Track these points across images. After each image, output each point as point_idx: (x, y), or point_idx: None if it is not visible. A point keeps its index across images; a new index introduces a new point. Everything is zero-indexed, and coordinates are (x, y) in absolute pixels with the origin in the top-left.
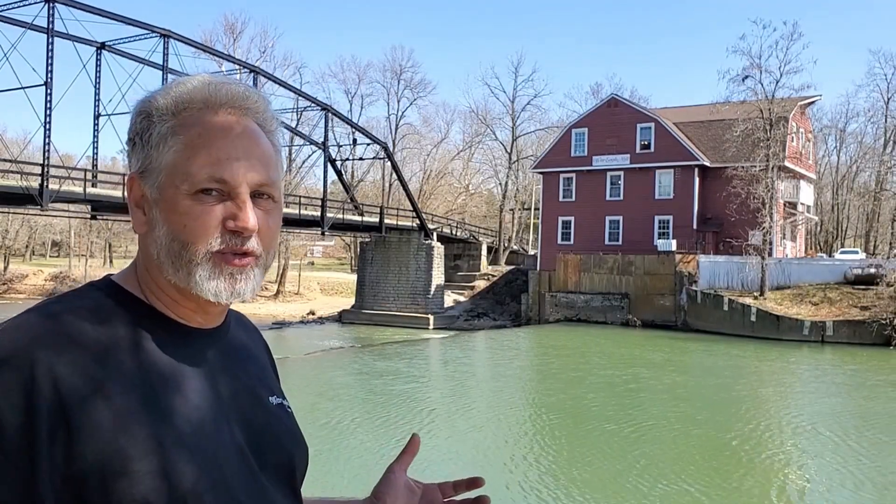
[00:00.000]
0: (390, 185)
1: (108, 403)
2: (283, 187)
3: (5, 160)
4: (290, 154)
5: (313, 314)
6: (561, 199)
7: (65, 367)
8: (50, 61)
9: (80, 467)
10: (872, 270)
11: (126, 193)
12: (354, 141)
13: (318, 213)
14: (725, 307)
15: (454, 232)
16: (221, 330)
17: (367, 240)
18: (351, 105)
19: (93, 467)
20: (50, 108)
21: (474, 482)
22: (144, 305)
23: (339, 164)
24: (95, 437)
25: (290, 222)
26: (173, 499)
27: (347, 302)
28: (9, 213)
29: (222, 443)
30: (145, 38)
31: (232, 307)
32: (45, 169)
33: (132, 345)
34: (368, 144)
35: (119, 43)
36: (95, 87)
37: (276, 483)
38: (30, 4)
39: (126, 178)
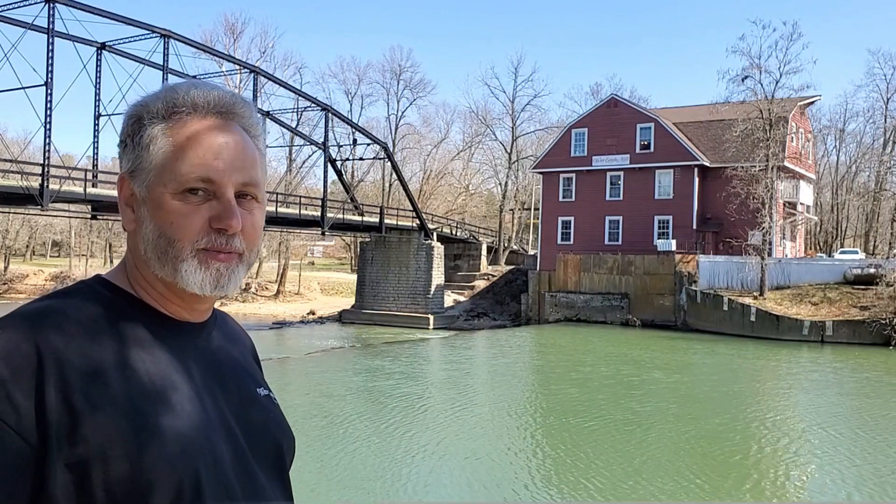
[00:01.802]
0: (390, 185)
1: (108, 393)
2: (286, 189)
3: (6, 160)
4: (290, 154)
5: (313, 314)
6: (561, 199)
7: (68, 362)
8: (50, 61)
9: (84, 451)
10: (872, 270)
11: (117, 192)
12: (354, 141)
13: (319, 213)
14: (725, 307)
15: (454, 232)
16: (208, 325)
17: (367, 240)
18: (351, 105)
19: (95, 451)
20: (50, 109)
21: None
22: (136, 300)
23: (339, 164)
24: (98, 424)
25: (291, 222)
26: (173, 482)
27: (347, 302)
28: (9, 213)
29: (215, 431)
30: (145, 39)
31: (216, 308)
32: (46, 169)
33: (127, 339)
34: (368, 144)
35: (119, 43)
36: (96, 87)
37: (265, 469)
38: (30, 4)
39: (117, 178)
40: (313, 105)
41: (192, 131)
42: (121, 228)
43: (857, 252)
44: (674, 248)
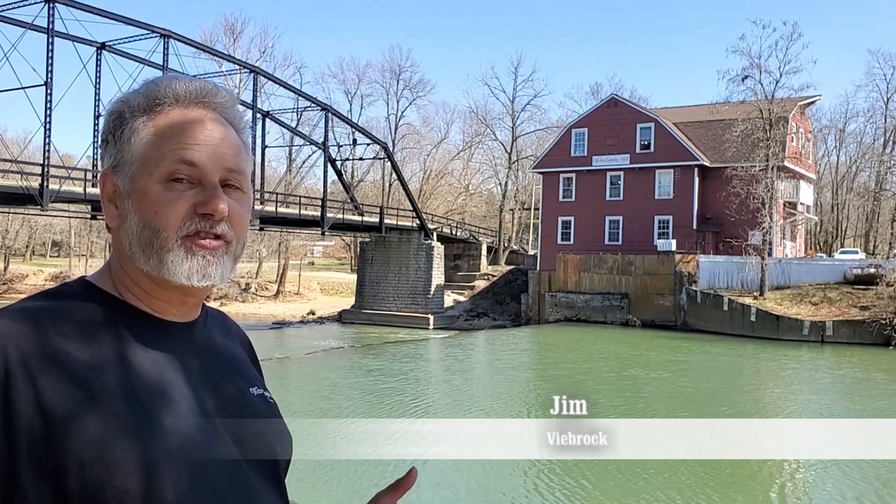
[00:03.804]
0: (390, 185)
1: (86, 398)
2: (286, 189)
3: (6, 160)
4: (290, 154)
5: (313, 314)
6: (561, 199)
7: (41, 365)
8: (50, 61)
9: (61, 459)
10: (872, 270)
11: (100, 190)
12: (354, 141)
13: (319, 213)
14: (725, 307)
15: (454, 232)
16: (197, 323)
17: (367, 240)
18: (351, 105)
19: (73, 459)
20: (50, 109)
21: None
22: (119, 302)
23: (339, 164)
24: (78, 434)
25: (291, 222)
26: (154, 489)
27: (347, 302)
28: (9, 212)
29: (206, 436)
30: (145, 39)
31: (218, 306)
32: (46, 169)
33: (111, 343)
34: (368, 144)
35: (119, 43)
36: (96, 87)
37: (258, 473)
38: (30, 4)
39: (99, 175)
40: (313, 105)
41: (174, 120)
42: None
43: (857, 252)
44: (674, 248)
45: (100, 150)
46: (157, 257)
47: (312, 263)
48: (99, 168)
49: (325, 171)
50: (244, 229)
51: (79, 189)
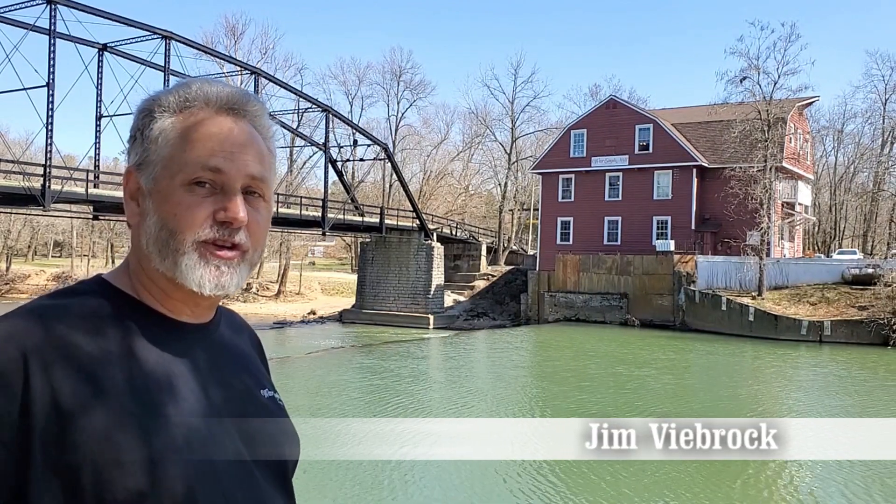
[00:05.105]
0: (390, 185)
1: (100, 398)
2: (287, 189)
3: (8, 161)
4: (291, 155)
5: (314, 314)
6: (560, 199)
7: (57, 364)
8: (52, 62)
9: (74, 457)
10: (870, 270)
11: (122, 186)
12: (355, 142)
13: (319, 214)
14: (723, 307)
15: (454, 232)
16: (212, 325)
17: (367, 240)
18: (351, 106)
19: (86, 457)
20: (52, 109)
21: None
22: (135, 301)
23: (339, 164)
24: (88, 430)
25: (292, 223)
26: (165, 489)
27: (348, 302)
28: (11, 213)
29: (214, 436)
30: (147, 40)
31: (223, 305)
32: (48, 169)
33: (123, 341)
34: (369, 145)
35: (121, 44)
36: (97, 88)
37: (267, 475)
38: (32, 6)
39: (124, 171)
40: (314, 106)
41: (202, 124)
42: (122, 229)
43: (855, 252)
44: (672, 248)
45: (127, 146)
46: (171, 259)
47: (313, 263)
48: (101, 169)
49: (326, 172)
50: (262, 238)
51: (80, 189)
